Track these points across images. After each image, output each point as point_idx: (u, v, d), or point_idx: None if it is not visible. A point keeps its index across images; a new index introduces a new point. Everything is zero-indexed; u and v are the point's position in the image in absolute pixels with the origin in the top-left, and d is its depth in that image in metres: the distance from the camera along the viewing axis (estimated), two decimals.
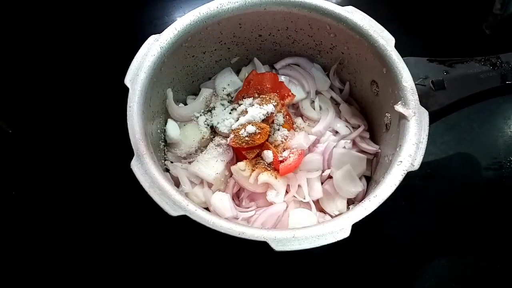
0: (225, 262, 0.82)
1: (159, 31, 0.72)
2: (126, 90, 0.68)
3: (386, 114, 0.75)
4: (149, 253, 0.83)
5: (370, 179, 0.80)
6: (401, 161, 0.63)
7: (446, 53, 0.85)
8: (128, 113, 0.66)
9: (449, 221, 0.86)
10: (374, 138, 0.82)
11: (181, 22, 0.73)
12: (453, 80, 0.73)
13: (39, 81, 1.01)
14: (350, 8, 0.75)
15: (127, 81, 0.68)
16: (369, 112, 0.84)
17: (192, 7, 0.73)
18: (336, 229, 0.57)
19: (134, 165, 0.61)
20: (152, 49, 0.71)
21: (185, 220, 0.59)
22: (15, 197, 0.87)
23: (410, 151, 0.63)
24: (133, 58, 0.70)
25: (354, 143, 0.81)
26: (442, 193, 0.89)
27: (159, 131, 0.78)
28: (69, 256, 0.82)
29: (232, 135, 0.75)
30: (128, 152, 0.64)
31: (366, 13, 0.75)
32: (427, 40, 1.05)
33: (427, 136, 0.64)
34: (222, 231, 0.56)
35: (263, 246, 0.57)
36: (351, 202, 0.78)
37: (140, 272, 0.81)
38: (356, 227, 0.58)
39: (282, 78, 0.86)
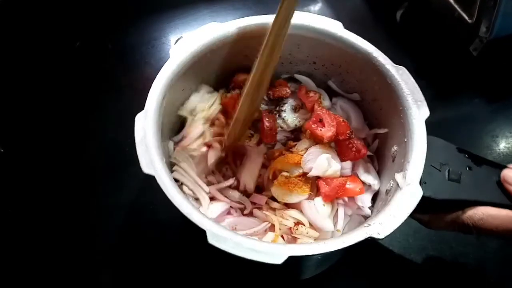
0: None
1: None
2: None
3: (391, 181, 0.72)
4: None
5: None
6: (369, 224, 0.61)
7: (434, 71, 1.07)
8: (155, 81, 0.71)
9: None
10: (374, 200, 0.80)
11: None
12: (471, 179, 0.68)
13: (33, 100, 1.06)
14: (402, 68, 0.74)
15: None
16: (381, 176, 0.81)
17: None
18: (272, 251, 0.57)
19: (138, 117, 0.66)
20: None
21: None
22: (12, 215, 0.90)
23: (383, 220, 0.61)
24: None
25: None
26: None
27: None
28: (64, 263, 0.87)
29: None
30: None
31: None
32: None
33: (407, 215, 0.61)
34: (174, 203, 0.60)
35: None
36: None
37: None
38: None
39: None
